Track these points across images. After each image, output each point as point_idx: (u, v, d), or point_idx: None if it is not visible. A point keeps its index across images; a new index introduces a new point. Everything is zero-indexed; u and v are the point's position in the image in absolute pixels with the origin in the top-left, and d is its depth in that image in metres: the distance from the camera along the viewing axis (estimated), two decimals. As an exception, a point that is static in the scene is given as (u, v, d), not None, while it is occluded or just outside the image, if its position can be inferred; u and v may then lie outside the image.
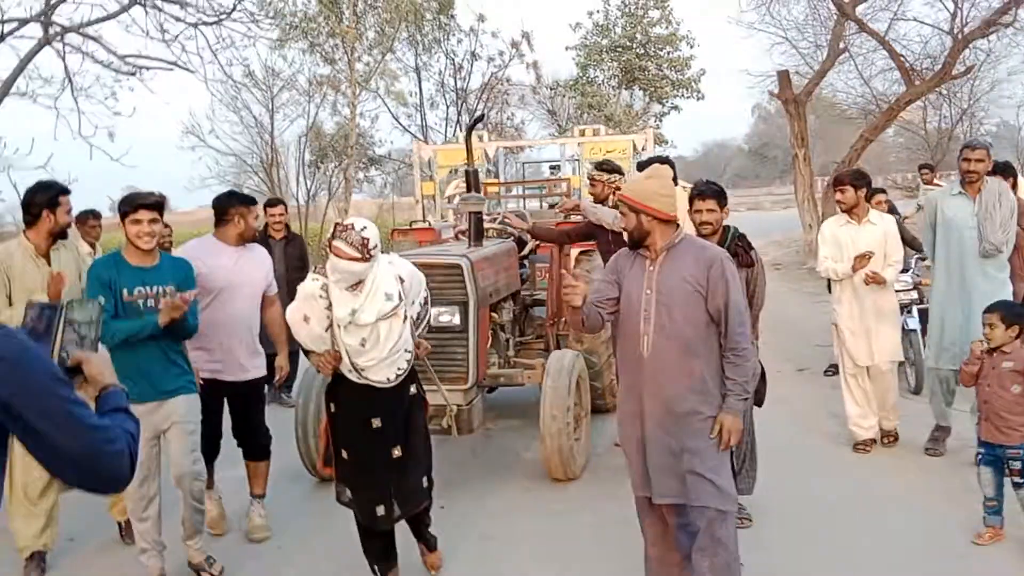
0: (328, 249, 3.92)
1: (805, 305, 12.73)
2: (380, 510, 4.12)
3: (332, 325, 3.97)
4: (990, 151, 5.76)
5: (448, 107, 25.60)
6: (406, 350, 4.10)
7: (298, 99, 22.79)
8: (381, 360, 3.99)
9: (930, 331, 5.96)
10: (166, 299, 4.19)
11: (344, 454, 4.19)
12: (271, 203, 8.42)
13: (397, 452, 4.15)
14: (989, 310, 4.70)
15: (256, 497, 5.24)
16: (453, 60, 25.27)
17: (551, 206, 9.93)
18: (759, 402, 4.69)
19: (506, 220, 6.95)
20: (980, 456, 4.64)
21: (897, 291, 6.62)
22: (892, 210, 8.82)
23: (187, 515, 4.51)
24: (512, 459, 6.32)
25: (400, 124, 25.30)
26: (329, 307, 3.96)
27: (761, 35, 18.99)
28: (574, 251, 7.40)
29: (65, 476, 1.88)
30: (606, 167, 6.31)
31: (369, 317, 3.92)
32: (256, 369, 5.12)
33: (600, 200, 6.12)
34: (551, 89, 28.24)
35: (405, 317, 4.08)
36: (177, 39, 10.30)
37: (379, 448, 4.13)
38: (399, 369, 4.08)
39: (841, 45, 17.12)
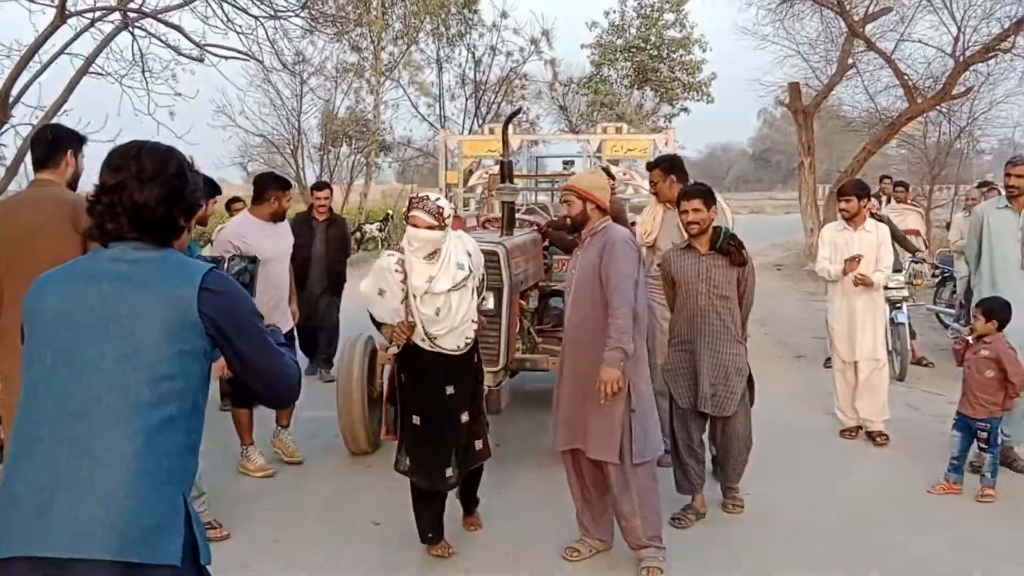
0: (405, 220, 4.21)
1: (804, 302, 13.65)
2: (449, 471, 4.31)
3: (407, 297, 4.19)
4: None
5: (467, 99, 26.37)
6: (472, 320, 4.32)
7: (324, 84, 23.54)
8: (452, 329, 4.20)
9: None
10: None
11: (416, 420, 4.34)
12: (318, 186, 8.76)
13: (465, 417, 4.39)
14: (976, 305, 5.58)
15: (283, 427, 6.00)
16: (474, 53, 26.01)
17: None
18: (751, 400, 5.02)
19: (533, 212, 7.19)
20: (955, 421, 5.46)
21: (889, 288, 7.29)
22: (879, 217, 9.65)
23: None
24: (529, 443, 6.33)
25: (419, 113, 26.07)
26: (404, 280, 4.17)
27: (773, 46, 19.79)
28: None
29: (255, 389, 2.26)
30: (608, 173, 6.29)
31: (444, 285, 4.13)
32: (287, 324, 5.91)
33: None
34: (564, 86, 28.78)
35: (472, 289, 4.30)
36: (240, 30, 11.07)
37: (452, 413, 4.34)
38: (467, 338, 4.30)
39: (850, 61, 17.96)
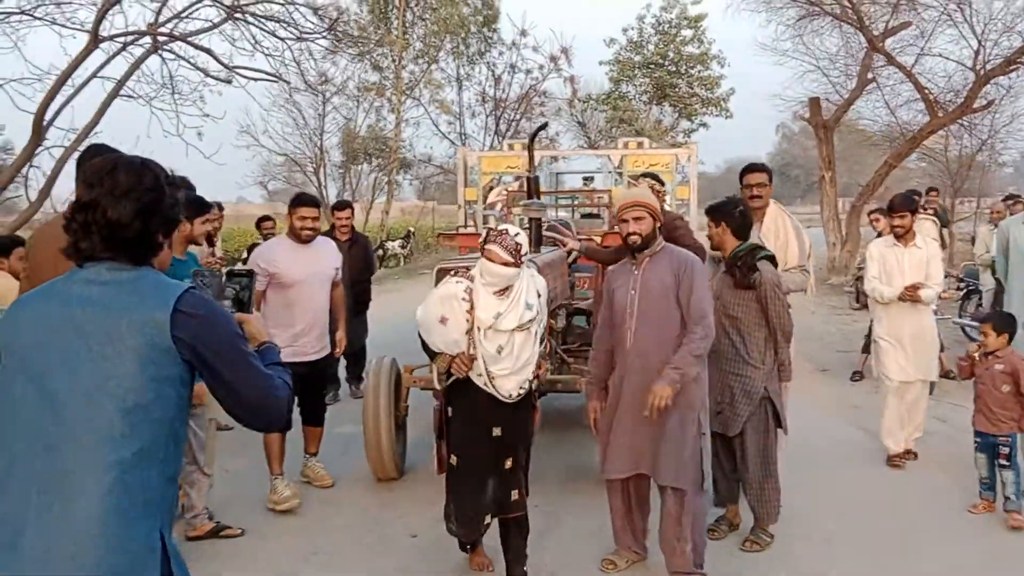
0: (481, 253, 4.00)
1: (828, 317, 13.68)
2: (487, 519, 4.15)
3: (472, 329, 4.00)
4: None
5: (487, 117, 26.60)
6: (534, 366, 4.14)
7: (346, 103, 23.82)
8: (513, 371, 4.02)
9: None
10: None
11: (454, 460, 4.16)
12: (339, 206, 8.49)
13: (509, 463, 4.16)
14: (983, 320, 5.52)
15: (311, 455, 5.94)
16: (493, 71, 26.24)
17: (583, 216, 10.21)
18: (778, 428, 4.81)
19: (555, 229, 6.94)
20: (976, 444, 5.37)
21: None
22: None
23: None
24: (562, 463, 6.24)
25: (440, 131, 26.29)
26: (470, 310, 3.98)
27: (793, 61, 19.88)
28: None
29: (240, 415, 2.13)
30: (652, 177, 6.31)
31: (511, 323, 3.96)
32: (324, 350, 5.75)
33: None
34: (583, 102, 29.05)
35: (535, 333, 4.10)
36: (267, 52, 11.27)
37: (496, 456, 4.13)
38: (524, 384, 4.10)
39: (869, 76, 18.01)
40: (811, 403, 7.85)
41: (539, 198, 6.36)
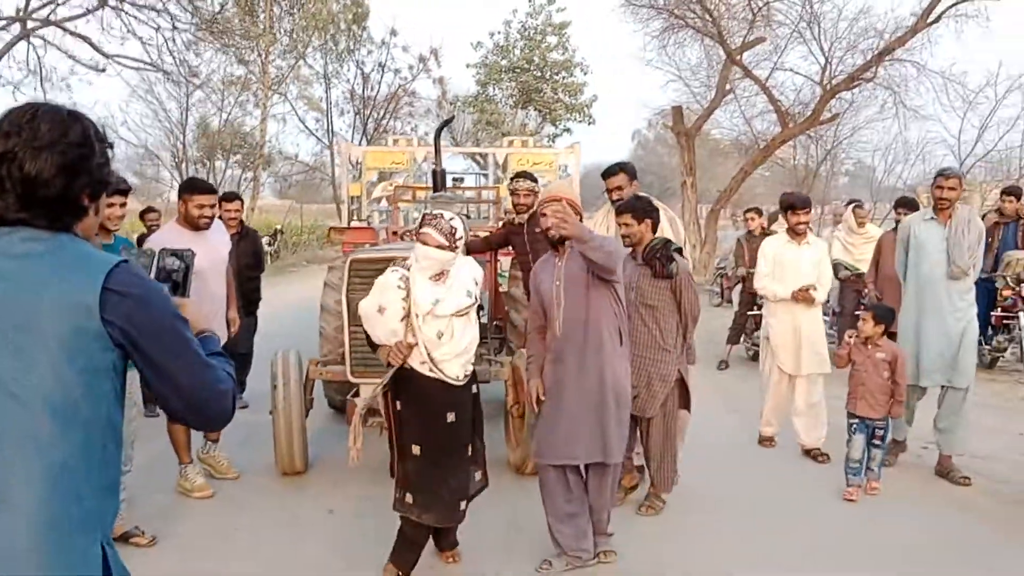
0: (415, 237, 4.04)
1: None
2: (463, 504, 4.14)
3: (409, 316, 3.99)
4: (962, 180, 5.97)
5: (355, 115, 26.43)
6: (473, 351, 4.17)
7: (211, 97, 23.19)
8: (456, 355, 4.03)
9: (906, 349, 5.90)
10: None
11: (416, 450, 4.09)
12: (227, 197, 8.12)
13: (468, 451, 4.19)
14: (866, 309, 5.95)
15: (212, 441, 5.80)
16: (362, 70, 26.12)
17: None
18: (687, 406, 5.16)
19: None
20: (854, 427, 5.51)
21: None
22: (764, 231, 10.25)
23: None
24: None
25: (307, 127, 25.97)
26: (406, 298, 3.97)
27: (657, 72, 20.76)
28: (505, 260, 7.67)
29: (175, 410, 1.83)
30: (529, 176, 6.42)
31: (449, 309, 3.97)
32: (225, 337, 5.67)
33: (526, 210, 6.17)
34: (451, 104, 29.24)
35: (474, 319, 4.14)
36: (144, 40, 11.00)
37: (455, 442, 4.14)
38: (468, 365, 4.14)
39: (728, 87, 19.06)
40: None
41: (445, 191, 6.42)
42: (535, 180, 6.46)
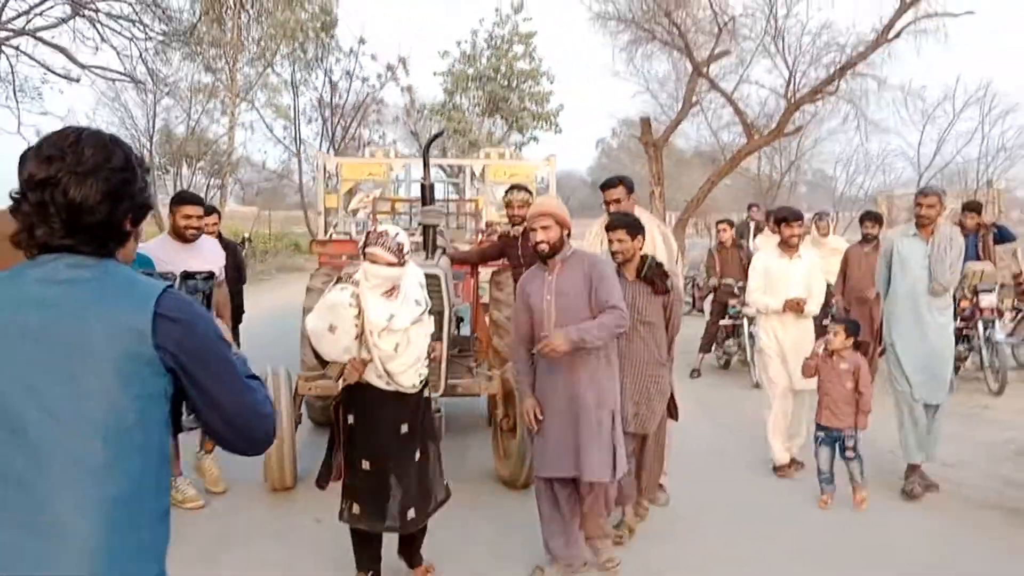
0: (363, 256, 4.00)
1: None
2: (411, 513, 4.14)
3: (363, 333, 3.96)
4: (942, 197, 6.03)
5: (323, 123, 26.35)
6: (427, 355, 4.18)
7: (179, 104, 23.00)
8: (410, 365, 4.04)
9: (891, 365, 6.03)
10: None
11: (366, 465, 4.11)
12: (206, 211, 7.63)
13: (418, 455, 4.20)
14: (837, 322, 6.04)
15: (207, 452, 5.81)
16: (330, 78, 26.07)
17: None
18: (675, 416, 5.27)
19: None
20: (820, 438, 5.66)
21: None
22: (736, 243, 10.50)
23: None
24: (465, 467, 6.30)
25: (275, 135, 25.86)
26: (358, 315, 3.95)
27: (625, 83, 21.05)
28: (484, 271, 7.69)
29: (220, 432, 1.84)
30: (523, 188, 6.45)
31: (404, 322, 3.99)
32: None
33: (521, 221, 6.15)
34: (419, 112, 29.14)
35: (427, 323, 4.17)
36: (118, 51, 10.97)
37: (406, 453, 4.15)
38: (422, 371, 4.14)
39: (695, 99, 19.37)
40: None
41: (434, 204, 6.37)
42: (530, 192, 6.53)
